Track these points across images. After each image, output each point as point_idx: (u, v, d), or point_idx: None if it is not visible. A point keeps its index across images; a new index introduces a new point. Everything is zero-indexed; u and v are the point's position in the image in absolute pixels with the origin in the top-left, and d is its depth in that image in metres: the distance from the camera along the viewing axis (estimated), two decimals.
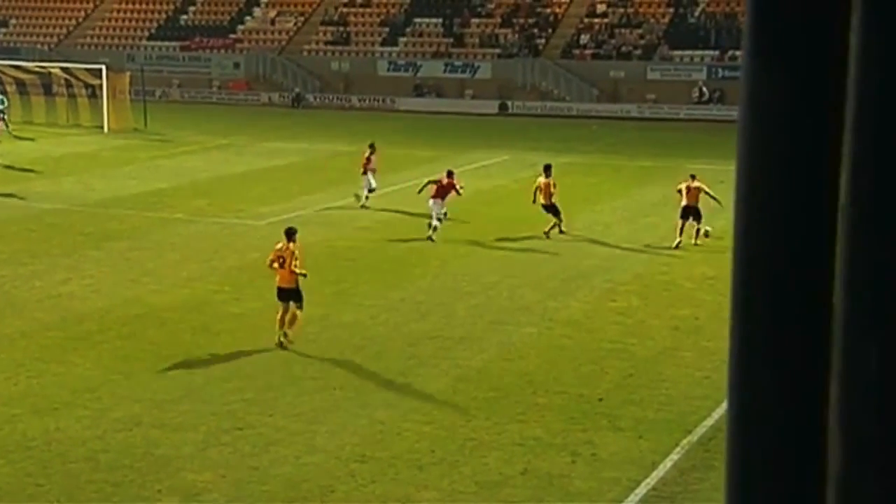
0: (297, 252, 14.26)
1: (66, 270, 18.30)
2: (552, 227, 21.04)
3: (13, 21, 61.19)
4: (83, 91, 41.71)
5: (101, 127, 39.07)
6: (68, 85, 42.76)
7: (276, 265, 14.34)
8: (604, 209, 24.41)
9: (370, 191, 23.62)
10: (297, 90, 52.93)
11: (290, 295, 14.33)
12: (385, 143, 37.07)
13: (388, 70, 53.10)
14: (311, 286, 17.53)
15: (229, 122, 44.12)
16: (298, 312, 14.21)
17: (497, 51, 52.85)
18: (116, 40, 57.91)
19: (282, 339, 14.19)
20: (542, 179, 21.17)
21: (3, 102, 37.76)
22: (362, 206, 23.57)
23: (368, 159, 24.10)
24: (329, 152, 35.06)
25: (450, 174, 21.56)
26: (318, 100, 52.56)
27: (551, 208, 21.09)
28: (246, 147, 35.99)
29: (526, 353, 14.15)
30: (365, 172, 23.84)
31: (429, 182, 21.41)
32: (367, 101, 51.37)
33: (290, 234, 14.55)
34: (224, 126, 42.48)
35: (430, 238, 20.43)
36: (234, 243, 20.89)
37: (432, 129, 42.67)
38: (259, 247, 20.53)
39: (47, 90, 43.25)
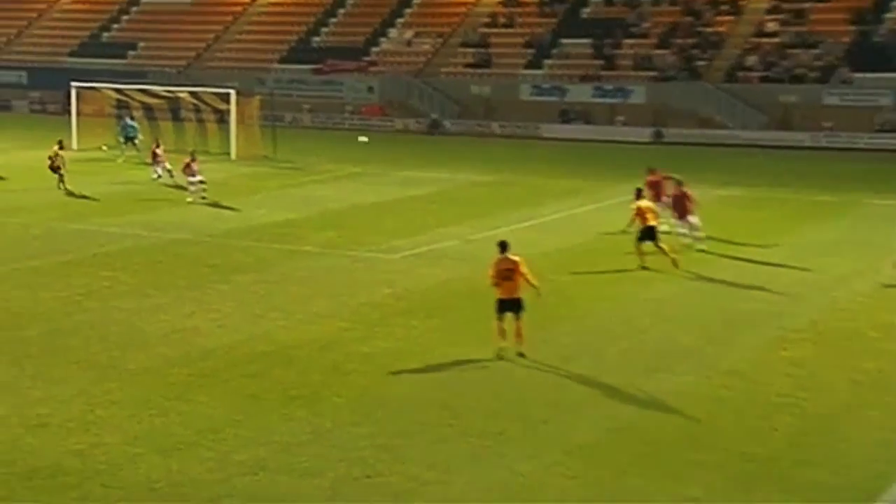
0: (522, 262, 15.56)
1: (191, 304, 19.00)
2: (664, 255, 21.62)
3: (141, 44, 64.59)
4: (212, 116, 43.54)
5: (229, 154, 40.66)
6: (196, 110, 44.69)
7: (498, 280, 15.44)
8: (771, 247, 23.91)
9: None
10: (434, 116, 53.81)
11: (513, 306, 15.51)
12: (527, 173, 37.45)
13: (532, 94, 53.42)
14: (448, 326, 17.73)
15: (362, 150, 45.21)
16: (522, 324, 15.53)
17: (652, 73, 52.40)
18: (246, 63, 60.22)
19: (520, 350, 15.52)
20: (641, 203, 21.71)
21: (134, 129, 39.85)
22: None
23: None
24: (468, 182, 35.41)
25: (652, 171, 23.93)
26: (456, 126, 53.28)
27: (651, 233, 21.41)
28: (379, 176, 36.75)
29: (683, 405, 13.86)
30: None
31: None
32: (508, 128, 51.76)
33: (505, 246, 15.74)
34: (356, 154, 43.50)
35: (701, 250, 22.35)
36: (366, 278, 21.29)
37: (579, 158, 42.60)
38: (392, 282, 20.90)
39: (175, 115, 45.35)
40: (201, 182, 30.50)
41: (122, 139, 39.68)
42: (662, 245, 21.74)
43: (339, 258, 23.16)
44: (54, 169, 31.80)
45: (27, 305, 18.73)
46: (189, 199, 29.88)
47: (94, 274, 21.15)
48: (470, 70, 56.24)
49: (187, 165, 30.84)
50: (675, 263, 21.48)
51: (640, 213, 21.88)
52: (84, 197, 30.71)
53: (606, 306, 19.05)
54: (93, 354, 15.99)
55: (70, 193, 31.12)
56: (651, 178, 25.41)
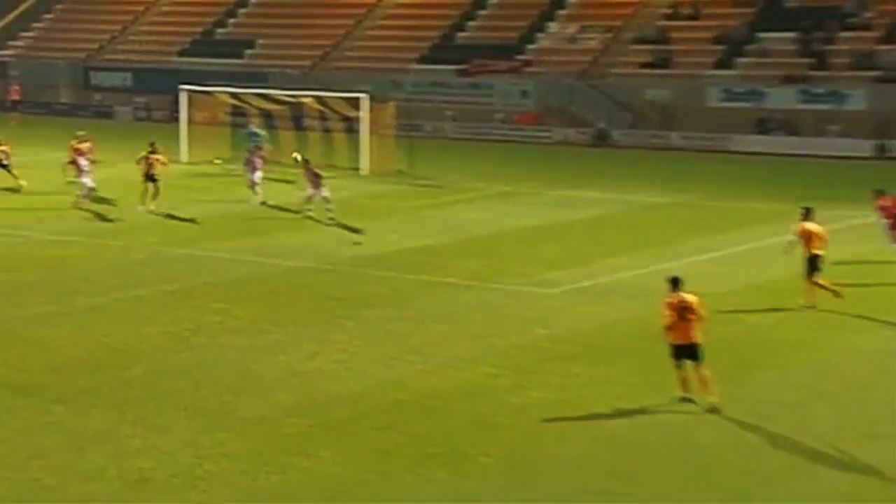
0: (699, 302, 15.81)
1: (313, 342, 19.36)
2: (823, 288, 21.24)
3: (260, 41, 66.65)
4: (339, 125, 44.55)
5: (359, 168, 41.47)
6: (322, 118, 45.82)
7: (673, 321, 15.74)
8: None
9: None
10: (600, 125, 53.71)
11: (690, 352, 15.74)
12: (713, 194, 36.93)
13: (722, 100, 52.76)
14: (616, 375, 17.57)
15: (514, 165, 45.40)
16: (706, 371, 15.68)
17: (875, 74, 50.92)
18: (380, 64, 61.36)
19: (711, 402, 15.64)
20: (808, 225, 21.60)
21: (258, 136, 40.97)
22: None
23: None
24: (640, 204, 35.19)
25: (881, 195, 24.26)
26: (627, 137, 53.05)
27: (815, 263, 21.29)
28: (534, 196, 36.86)
29: None
30: None
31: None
32: (692, 140, 51.24)
33: (677, 282, 16.06)
34: (507, 169, 43.73)
35: None
36: (517, 316, 21.34)
37: (778, 177, 41.80)
38: (548, 321, 20.86)
39: (297, 124, 46.62)
40: (326, 199, 31.23)
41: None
42: (821, 281, 21.35)
43: (486, 292, 23.29)
44: (150, 178, 32.54)
45: (129, 341, 19.45)
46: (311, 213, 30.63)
47: (204, 306, 21.80)
48: (645, 71, 55.91)
49: (313, 174, 31.69)
50: (836, 294, 21.24)
51: (806, 236, 21.50)
52: (189, 220, 31.73)
53: (814, 356, 18.60)
54: (201, 399, 16.48)
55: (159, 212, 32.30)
56: (882, 202, 24.95)
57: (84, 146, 35.42)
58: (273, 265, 25.79)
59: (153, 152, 33.23)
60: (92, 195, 33.22)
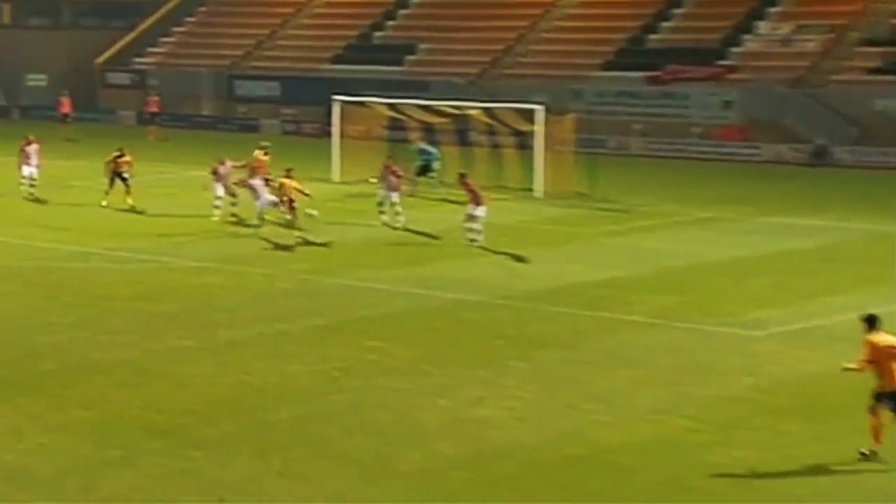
0: None
1: (480, 386, 19.48)
2: None
3: (422, 46, 67.60)
4: (510, 140, 44.83)
5: (532, 189, 41.63)
6: (491, 132, 46.10)
7: (871, 365, 15.99)
8: None
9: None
10: (819, 141, 52.69)
11: (893, 399, 16.02)
12: None
13: None
14: (836, 435, 17.15)
15: (713, 187, 44.86)
16: None
17: None
18: (557, 71, 61.62)
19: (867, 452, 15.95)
20: None
21: (429, 154, 41.51)
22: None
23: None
24: (867, 234, 34.54)
25: None
26: (851, 155, 51.98)
27: None
28: (737, 223, 36.42)
29: None
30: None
31: None
32: None
33: (873, 321, 16.31)
34: (706, 192, 43.28)
35: None
36: (717, 361, 21.10)
37: None
38: (754, 369, 20.55)
39: (463, 138, 47.15)
40: (472, 218, 31.46)
41: (418, 168, 41.35)
42: None
43: (680, 333, 23.11)
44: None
45: (274, 381, 19.87)
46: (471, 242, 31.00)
47: (357, 343, 22.15)
48: (875, 78, 54.64)
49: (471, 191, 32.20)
50: None
51: None
52: (341, 246, 32.28)
53: None
54: (353, 448, 16.71)
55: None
56: None
57: (262, 158, 36.62)
58: (435, 298, 26.05)
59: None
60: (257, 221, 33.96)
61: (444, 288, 26.97)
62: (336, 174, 44.29)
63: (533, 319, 24.19)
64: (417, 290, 26.77)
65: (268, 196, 33.39)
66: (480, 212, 31.74)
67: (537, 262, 30.08)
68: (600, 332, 23.15)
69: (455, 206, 35.91)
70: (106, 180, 37.81)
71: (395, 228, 34.34)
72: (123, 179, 37.69)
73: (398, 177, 35.27)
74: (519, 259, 30.44)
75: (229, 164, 36.05)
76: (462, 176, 33.10)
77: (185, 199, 38.87)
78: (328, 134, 47.70)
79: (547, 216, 37.66)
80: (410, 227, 34.54)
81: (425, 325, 23.74)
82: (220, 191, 35.66)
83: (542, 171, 41.75)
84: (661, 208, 39.04)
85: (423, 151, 41.57)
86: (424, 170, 41.39)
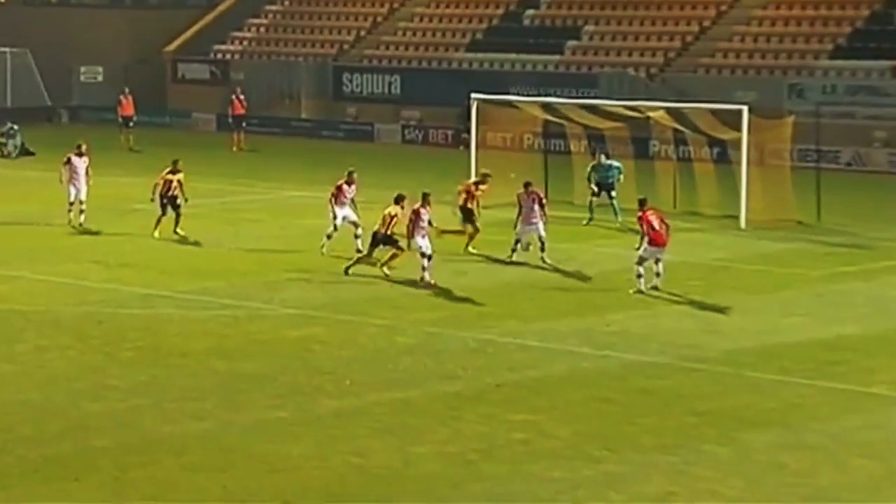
0: None
1: (665, 477, 19.34)
2: None
3: (588, 28, 67.61)
4: (705, 151, 44.84)
5: (737, 217, 41.44)
6: (679, 141, 46.05)
7: None
8: None
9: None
10: None
11: None
12: None
13: None
14: None
15: None
16: None
17: None
18: (769, 60, 61.58)
19: None
20: None
21: (615, 170, 41.51)
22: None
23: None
24: None
25: None
26: None
27: None
28: None
29: None
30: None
31: None
32: None
33: None
34: None
35: None
36: None
37: None
38: None
39: (642, 149, 47.07)
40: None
41: (593, 190, 41.39)
42: None
43: None
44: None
45: (394, 465, 19.86)
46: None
47: (499, 417, 22.07)
48: None
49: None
50: None
51: None
52: (479, 289, 32.29)
53: None
54: None
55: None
56: None
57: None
58: (604, 359, 25.97)
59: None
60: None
61: (615, 346, 26.87)
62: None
63: (736, 389, 23.96)
64: (580, 349, 26.67)
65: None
66: (654, 252, 31.66)
67: (741, 314, 29.85)
68: (828, 409, 22.83)
69: (635, 239, 35.60)
70: (156, 205, 38.28)
71: (544, 268, 34.31)
72: (174, 203, 38.22)
73: (541, 205, 35.10)
74: (717, 309, 30.25)
75: (354, 185, 35.93)
76: (642, 204, 32.62)
77: (278, 227, 39.19)
78: (463, 143, 47.90)
79: (755, 252, 37.18)
80: (568, 265, 34.47)
81: (589, 395, 23.59)
82: (341, 216, 35.74)
83: (749, 193, 41.39)
84: None
85: (602, 167, 41.17)
86: (603, 189, 41.15)
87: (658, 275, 31.67)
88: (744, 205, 41.50)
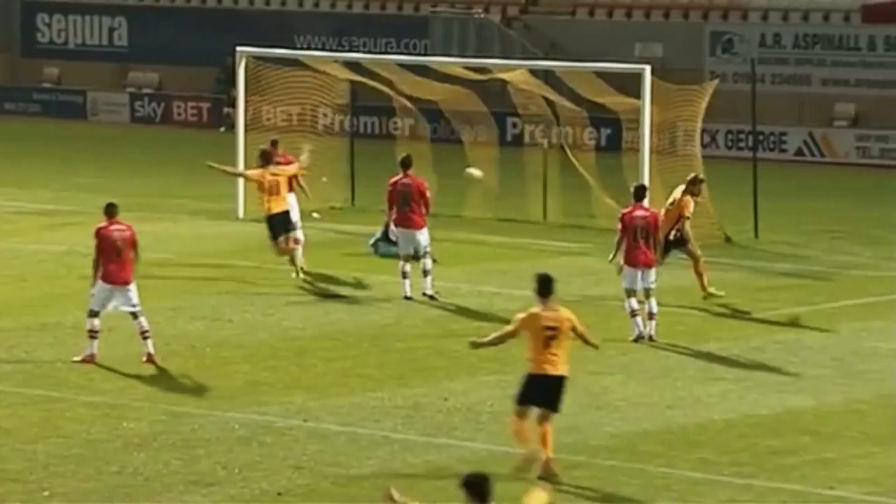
0: None
1: None
2: None
3: None
4: (588, 133, 46.70)
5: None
6: (550, 119, 46.63)
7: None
8: None
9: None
10: None
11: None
12: None
13: None
14: None
15: None
16: None
17: None
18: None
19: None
20: None
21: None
22: None
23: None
24: None
25: None
26: None
27: None
28: None
29: None
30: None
31: None
32: None
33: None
34: None
35: None
36: None
37: None
38: None
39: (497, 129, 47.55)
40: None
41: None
42: None
43: None
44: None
45: None
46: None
47: None
48: None
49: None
50: None
51: None
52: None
53: None
54: None
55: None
56: None
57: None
58: (439, 450, 26.27)
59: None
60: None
61: (456, 431, 27.26)
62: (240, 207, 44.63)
63: (635, 493, 24.36)
64: (404, 435, 26.80)
65: None
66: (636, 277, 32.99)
67: (642, 380, 30.55)
68: None
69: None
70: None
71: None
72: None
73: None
74: (607, 372, 30.83)
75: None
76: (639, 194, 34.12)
77: None
78: (226, 122, 48.14)
79: (662, 284, 37.12)
80: (383, 305, 34.86)
81: None
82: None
83: (653, 196, 41.69)
84: None
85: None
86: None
87: (651, 316, 32.55)
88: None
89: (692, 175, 37.94)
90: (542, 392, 24.83)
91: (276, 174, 38.99)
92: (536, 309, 24.99)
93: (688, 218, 36.56)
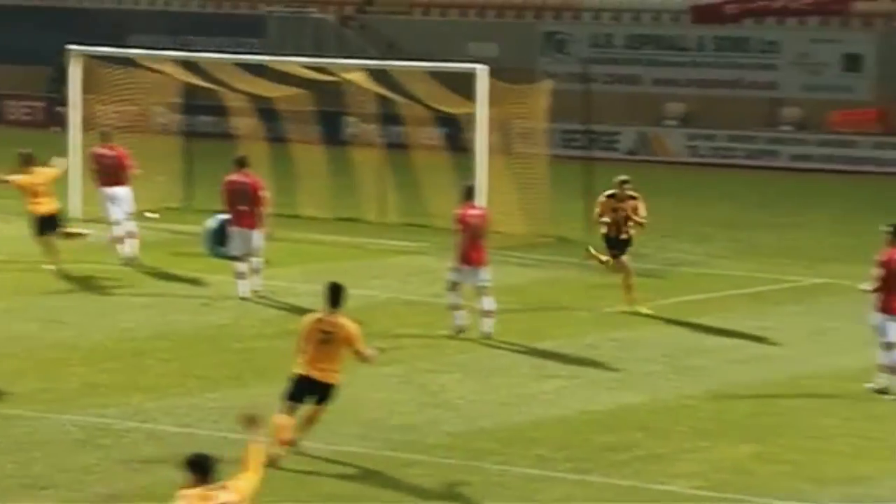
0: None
1: None
2: None
3: None
4: (426, 133, 46.48)
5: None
6: (388, 118, 47.13)
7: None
8: None
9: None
10: None
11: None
12: None
13: None
14: None
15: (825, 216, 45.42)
16: None
17: None
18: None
19: None
20: None
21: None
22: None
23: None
24: None
25: None
26: None
27: None
28: None
29: None
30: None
31: None
32: None
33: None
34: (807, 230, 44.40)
35: None
36: None
37: None
38: None
39: (331, 129, 48.29)
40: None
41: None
42: None
43: None
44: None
45: None
46: None
47: None
48: None
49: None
50: None
51: None
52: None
53: None
54: None
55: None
56: None
57: None
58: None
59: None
60: None
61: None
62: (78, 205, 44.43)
63: (473, 492, 24.55)
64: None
65: None
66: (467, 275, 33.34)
67: (453, 379, 30.75)
68: None
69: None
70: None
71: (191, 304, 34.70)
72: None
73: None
74: (443, 370, 31.12)
75: None
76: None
77: None
78: (59, 122, 47.79)
79: (498, 283, 37.13)
80: (221, 305, 34.84)
81: None
82: None
83: (490, 195, 42.01)
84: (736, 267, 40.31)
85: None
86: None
87: (488, 314, 32.64)
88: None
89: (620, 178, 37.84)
90: (310, 392, 25.50)
91: (40, 178, 39.28)
92: (319, 314, 25.70)
93: (640, 223, 36.53)
